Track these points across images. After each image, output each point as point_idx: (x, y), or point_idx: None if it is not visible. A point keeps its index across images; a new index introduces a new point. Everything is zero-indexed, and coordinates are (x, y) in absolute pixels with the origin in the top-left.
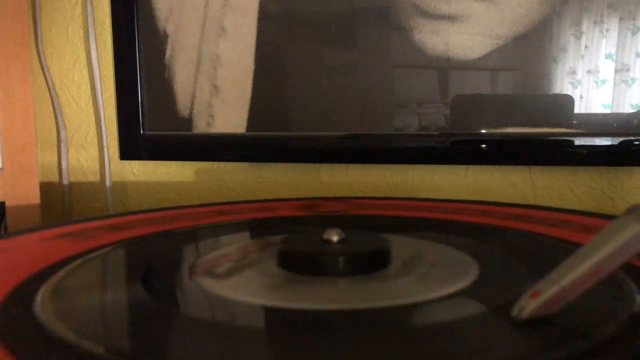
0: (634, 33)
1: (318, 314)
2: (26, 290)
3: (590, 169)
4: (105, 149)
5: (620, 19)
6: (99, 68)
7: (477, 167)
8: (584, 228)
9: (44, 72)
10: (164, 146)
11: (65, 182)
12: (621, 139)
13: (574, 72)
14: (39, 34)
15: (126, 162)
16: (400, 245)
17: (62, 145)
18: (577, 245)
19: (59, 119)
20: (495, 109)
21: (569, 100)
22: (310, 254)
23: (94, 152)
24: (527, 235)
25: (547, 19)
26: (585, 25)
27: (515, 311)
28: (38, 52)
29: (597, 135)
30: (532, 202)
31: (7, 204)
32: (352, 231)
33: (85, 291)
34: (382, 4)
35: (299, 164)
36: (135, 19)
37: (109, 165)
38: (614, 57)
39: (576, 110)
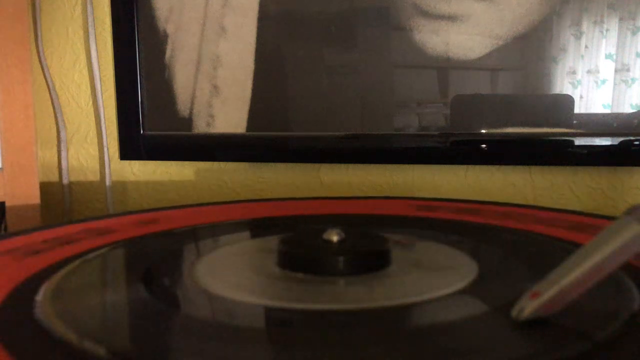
0: (634, 33)
1: (318, 314)
2: (26, 290)
3: (590, 169)
4: (105, 149)
5: (620, 19)
6: (99, 68)
7: (477, 167)
8: (584, 228)
9: (44, 72)
10: (164, 146)
11: (65, 181)
12: (621, 139)
13: (574, 72)
14: (39, 34)
15: (126, 162)
16: (401, 246)
17: (62, 145)
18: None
19: (59, 118)
20: (495, 109)
21: (569, 100)
22: (310, 254)
23: (94, 152)
24: (527, 235)
25: (547, 19)
26: (585, 25)
27: (515, 312)
28: (38, 52)
29: (597, 135)
30: (532, 202)
31: (7, 204)
32: (352, 231)
33: (85, 291)
34: (382, 4)
35: (299, 164)
36: (135, 19)
37: (109, 165)
38: (614, 57)
39: (576, 110)
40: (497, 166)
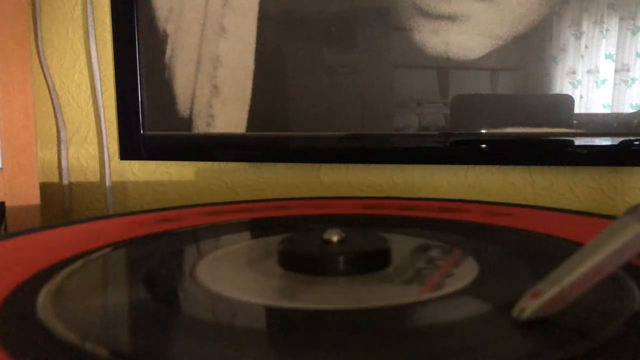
0: (634, 33)
1: (318, 314)
2: (27, 291)
3: (590, 169)
4: (105, 149)
5: (620, 19)
6: (99, 68)
7: (477, 167)
8: (584, 228)
9: (44, 72)
10: (164, 146)
11: (65, 182)
12: (621, 139)
13: (574, 72)
14: (39, 34)
15: (126, 162)
16: (401, 245)
17: (62, 145)
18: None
19: (59, 118)
20: (495, 109)
21: (569, 100)
22: (310, 254)
23: (94, 152)
24: (527, 235)
25: (547, 19)
26: (585, 25)
27: (515, 312)
28: (38, 52)
29: (597, 135)
30: (532, 202)
31: (7, 204)
32: (352, 231)
33: (86, 292)
34: (382, 4)
35: (299, 164)
36: (135, 19)
37: (109, 165)
38: (614, 57)
39: (576, 110)
40: (497, 166)
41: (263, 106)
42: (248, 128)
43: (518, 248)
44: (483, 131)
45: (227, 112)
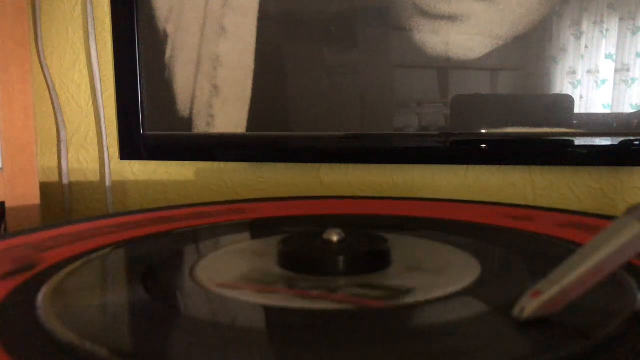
0: (634, 33)
1: (318, 314)
2: (27, 291)
3: (590, 169)
4: (105, 149)
5: (620, 19)
6: (99, 68)
7: (477, 167)
8: (584, 228)
9: (44, 72)
10: (164, 146)
11: (65, 182)
12: (621, 139)
13: (574, 72)
14: (39, 34)
15: (126, 162)
16: (401, 245)
17: (62, 145)
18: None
19: (59, 119)
20: (495, 109)
21: (569, 100)
22: (310, 254)
23: (94, 152)
24: (527, 235)
25: (547, 19)
26: (585, 25)
27: (516, 311)
28: (38, 52)
29: (597, 135)
30: (532, 202)
31: (7, 204)
32: (352, 231)
33: (86, 292)
34: (382, 4)
35: (299, 164)
36: (135, 19)
37: (109, 165)
38: (614, 57)
39: (576, 110)
40: (497, 166)
41: (263, 106)
42: (248, 128)
43: (519, 248)
44: (483, 131)
45: (227, 112)
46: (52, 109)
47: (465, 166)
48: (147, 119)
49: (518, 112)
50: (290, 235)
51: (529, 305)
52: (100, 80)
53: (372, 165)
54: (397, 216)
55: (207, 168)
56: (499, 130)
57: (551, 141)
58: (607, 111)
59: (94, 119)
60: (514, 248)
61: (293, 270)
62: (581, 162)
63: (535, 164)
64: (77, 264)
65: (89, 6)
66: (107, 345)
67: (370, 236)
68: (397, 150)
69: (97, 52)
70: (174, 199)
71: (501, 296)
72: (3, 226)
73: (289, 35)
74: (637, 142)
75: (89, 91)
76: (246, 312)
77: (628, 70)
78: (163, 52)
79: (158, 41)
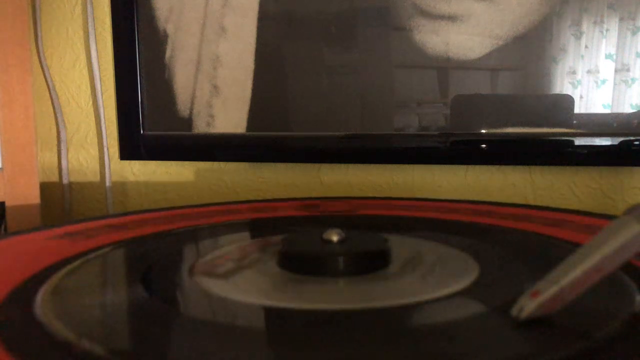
0: (634, 33)
1: (318, 314)
2: (26, 290)
3: (590, 169)
4: (105, 149)
5: (620, 19)
6: (99, 68)
7: (477, 167)
8: (584, 228)
9: (44, 72)
10: (164, 146)
11: (65, 182)
12: (621, 139)
13: (574, 72)
14: (39, 34)
15: (126, 162)
16: (400, 245)
17: (62, 145)
18: (577, 245)
19: (59, 119)
20: (495, 109)
21: (569, 100)
22: (310, 254)
23: (94, 152)
24: (527, 235)
25: (547, 19)
26: (585, 25)
27: (515, 311)
28: (38, 52)
29: (597, 135)
30: (532, 202)
31: (7, 204)
32: (352, 231)
33: (85, 291)
34: (382, 4)
35: (299, 164)
36: (135, 19)
37: (109, 165)
38: (614, 57)
39: (576, 110)
40: (497, 166)
41: (263, 106)
42: (248, 128)
43: (518, 248)
44: (483, 131)
45: (227, 112)
46: (52, 109)
47: (465, 166)
48: (147, 119)
49: (518, 112)
50: (290, 235)
51: (528, 305)
52: (100, 80)
53: (372, 165)
54: (397, 216)
55: (207, 168)
56: (499, 130)
57: (551, 141)
58: (607, 111)
59: (94, 119)
60: (513, 248)
61: (293, 271)
62: (581, 162)
63: (535, 164)
64: (77, 263)
65: (89, 6)
66: (107, 345)
67: (370, 236)
68: (397, 150)
69: (97, 52)
70: (174, 199)
71: (500, 296)
72: (3, 226)
73: (289, 35)
74: (637, 142)
75: (89, 91)
76: (246, 312)
77: (628, 70)
78: (163, 52)
79: (158, 41)
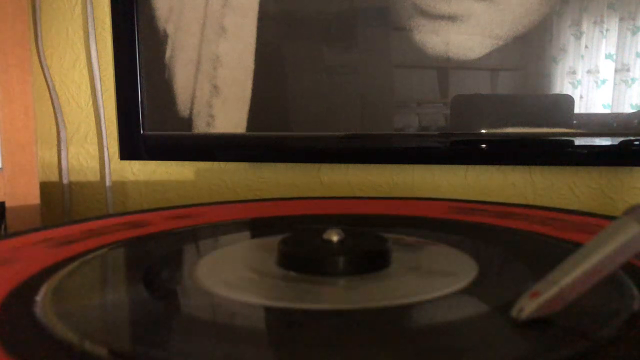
0: (634, 33)
1: (318, 314)
2: (27, 290)
3: (590, 169)
4: (105, 149)
5: (620, 19)
6: (99, 68)
7: (477, 167)
8: (584, 228)
9: (44, 72)
10: (164, 146)
11: (65, 182)
12: (621, 139)
13: (574, 72)
14: (39, 34)
15: (126, 162)
16: (401, 245)
17: (62, 145)
18: (577, 245)
19: (59, 118)
20: (495, 109)
21: (569, 100)
22: (310, 254)
23: (94, 152)
24: (527, 235)
25: (547, 19)
26: (585, 25)
27: (514, 312)
28: (38, 52)
29: (597, 135)
30: (532, 202)
31: (7, 204)
32: (352, 231)
33: (86, 292)
34: (382, 4)
35: (299, 164)
36: (135, 19)
37: (109, 165)
38: (614, 57)
39: (576, 110)
40: (497, 166)
41: (263, 106)
42: (248, 128)
43: (518, 248)
44: (483, 131)
45: (227, 112)
46: (52, 109)
47: (465, 166)
48: (147, 119)
49: (518, 112)
50: (290, 235)
51: (528, 306)
52: (100, 80)
53: (372, 165)
54: (397, 216)
55: (207, 168)
56: (499, 130)
57: (551, 141)
58: (607, 111)
59: (94, 118)
60: (513, 248)
61: (293, 270)
62: (581, 162)
63: (535, 164)
64: (77, 263)
65: (89, 6)
66: (107, 345)
67: (370, 236)
68: (397, 150)
69: (97, 52)
70: (174, 199)
71: (500, 296)
72: (3, 226)
73: (289, 35)
74: (637, 142)
75: (89, 91)
76: (246, 312)
77: (628, 70)
78: (163, 52)
79: (158, 41)
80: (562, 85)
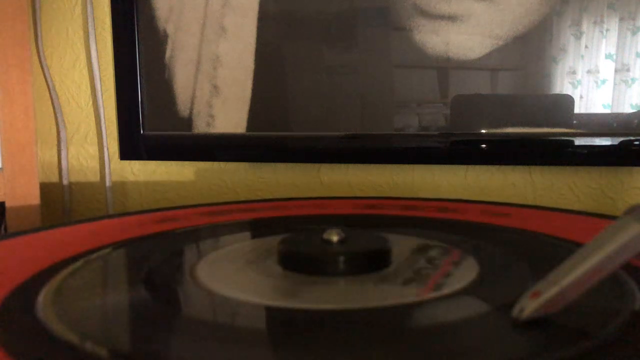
0: (634, 33)
1: (318, 314)
2: (27, 291)
3: (590, 169)
4: (105, 149)
5: (620, 19)
6: (99, 68)
7: (477, 167)
8: (584, 228)
9: (44, 72)
10: (164, 146)
11: (65, 182)
12: (621, 139)
13: (574, 72)
14: (39, 34)
15: (126, 162)
16: (401, 245)
17: (62, 145)
18: (577, 245)
19: (59, 118)
20: (495, 109)
21: (569, 100)
22: (310, 254)
23: (94, 152)
24: (527, 235)
25: (547, 19)
26: (585, 25)
27: (515, 311)
28: (38, 52)
29: (597, 135)
30: (532, 202)
31: (7, 204)
32: (352, 231)
33: (86, 292)
34: (382, 4)
35: (299, 164)
36: (135, 19)
37: (109, 165)
38: (614, 57)
39: (576, 110)
40: (497, 166)
41: (263, 106)
42: (248, 128)
43: (518, 248)
44: (483, 131)
45: (227, 112)
46: (52, 109)
47: (465, 166)
48: (147, 119)
49: (518, 112)
50: (290, 235)
51: (528, 306)
52: (100, 80)
53: (372, 165)
54: (396, 216)
55: (207, 168)
56: (499, 130)
57: (551, 141)
58: (607, 111)
59: (94, 118)
60: (513, 248)
61: (293, 270)
62: (581, 162)
63: (535, 164)
64: (77, 264)
65: (89, 6)
66: (107, 346)
67: (370, 236)
68: (397, 150)
69: (97, 52)
70: (174, 199)
71: (500, 296)
72: (3, 226)
73: (289, 35)
74: (637, 142)
75: (89, 91)
76: (246, 312)
77: (628, 70)
78: (163, 52)
79: (158, 41)
80: (562, 85)
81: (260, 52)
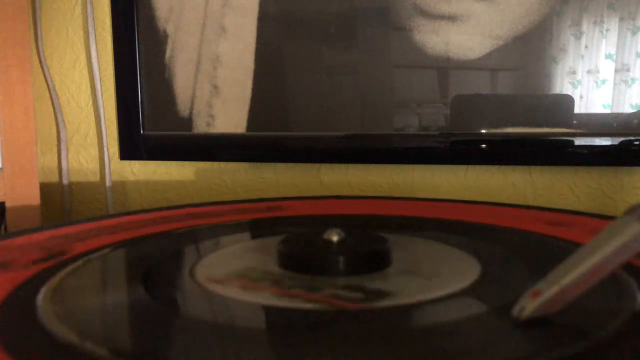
0: (634, 33)
1: (318, 314)
2: (27, 291)
3: (590, 169)
4: (105, 149)
5: (620, 19)
6: (99, 68)
7: (477, 167)
8: (584, 228)
9: (44, 72)
10: (164, 146)
11: (65, 182)
12: (621, 139)
13: (574, 72)
14: (39, 34)
15: (126, 162)
16: (401, 245)
17: (62, 145)
18: (577, 245)
19: (59, 119)
20: (495, 109)
21: (569, 100)
22: (310, 254)
23: (94, 152)
24: (527, 235)
25: (547, 19)
26: (585, 25)
27: (515, 311)
28: (38, 52)
29: (597, 135)
30: (532, 202)
31: (7, 204)
32: (352, 231)
33: (86, 292)
34: (382, 4)
35: (299, 164)
36: (135, 19)
37: (109, 165)
38: (614, 57)
39: (576, 110)
40: (497, 166)
41: (263, 106)
42: (248, 128)
43: (518, 248)
44: (483, 131)
45: (227, 112)
46: (52, 109)
47: (465, 166)
48: (147, 119)
49: (518, 112)
50: (290, 235)
51: (529, 305)
52: (100, 80)
53: (372, 165)
54: (397, 216)
55: (207, 168)
56: (499, 130)
57: (551, 141)
58: (607, 111)
59: (94, 119)
60: (514, 248)
61: (293, 270)
62: (581, 162)
63: (535, 164)
64: (77, 264)
65: (89, 6)
66: (107, 345)
67: (370, 236)
68: (397, 150)
69: (97, 52)
70: (174, 199)
71: (501, 296)
72: (3, 226)
73: (289, 35)
74: (637, 142)
75: (89, 91)
76: (246, 312)
77: (628, 70)
78: (163, 52)
79: (158, 41)
80: (562, 85)
81: (260, 52)
